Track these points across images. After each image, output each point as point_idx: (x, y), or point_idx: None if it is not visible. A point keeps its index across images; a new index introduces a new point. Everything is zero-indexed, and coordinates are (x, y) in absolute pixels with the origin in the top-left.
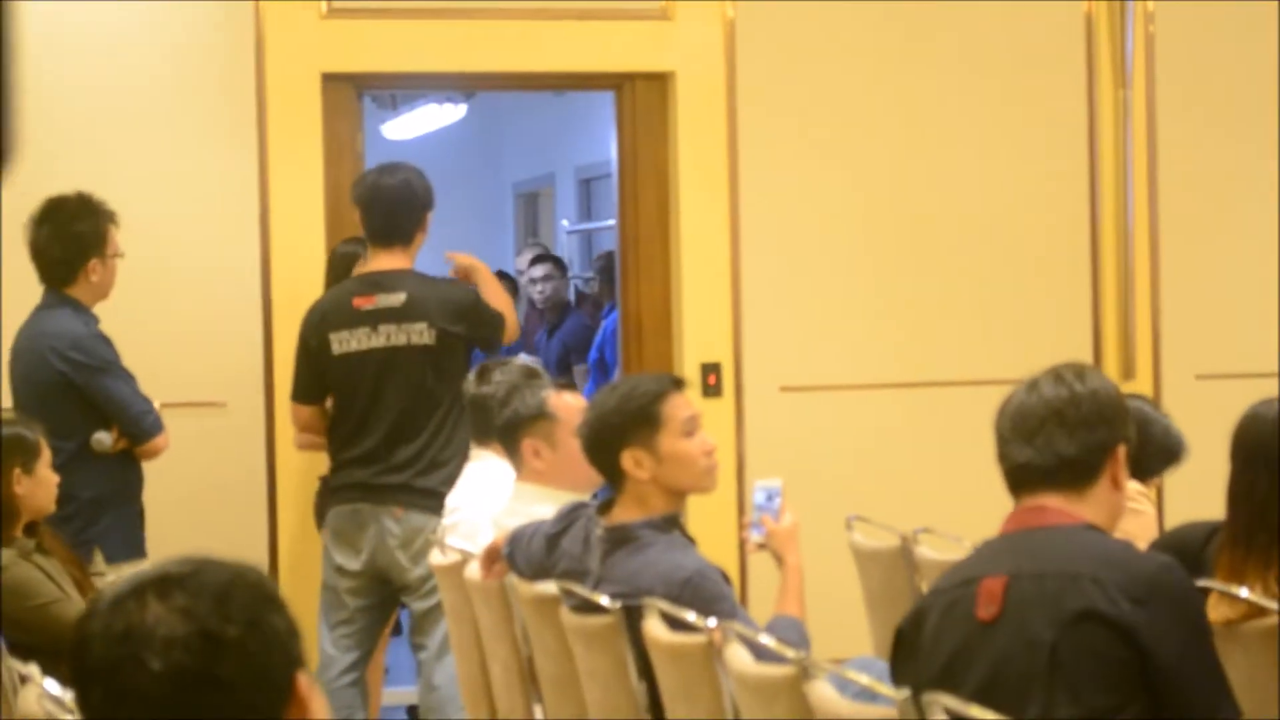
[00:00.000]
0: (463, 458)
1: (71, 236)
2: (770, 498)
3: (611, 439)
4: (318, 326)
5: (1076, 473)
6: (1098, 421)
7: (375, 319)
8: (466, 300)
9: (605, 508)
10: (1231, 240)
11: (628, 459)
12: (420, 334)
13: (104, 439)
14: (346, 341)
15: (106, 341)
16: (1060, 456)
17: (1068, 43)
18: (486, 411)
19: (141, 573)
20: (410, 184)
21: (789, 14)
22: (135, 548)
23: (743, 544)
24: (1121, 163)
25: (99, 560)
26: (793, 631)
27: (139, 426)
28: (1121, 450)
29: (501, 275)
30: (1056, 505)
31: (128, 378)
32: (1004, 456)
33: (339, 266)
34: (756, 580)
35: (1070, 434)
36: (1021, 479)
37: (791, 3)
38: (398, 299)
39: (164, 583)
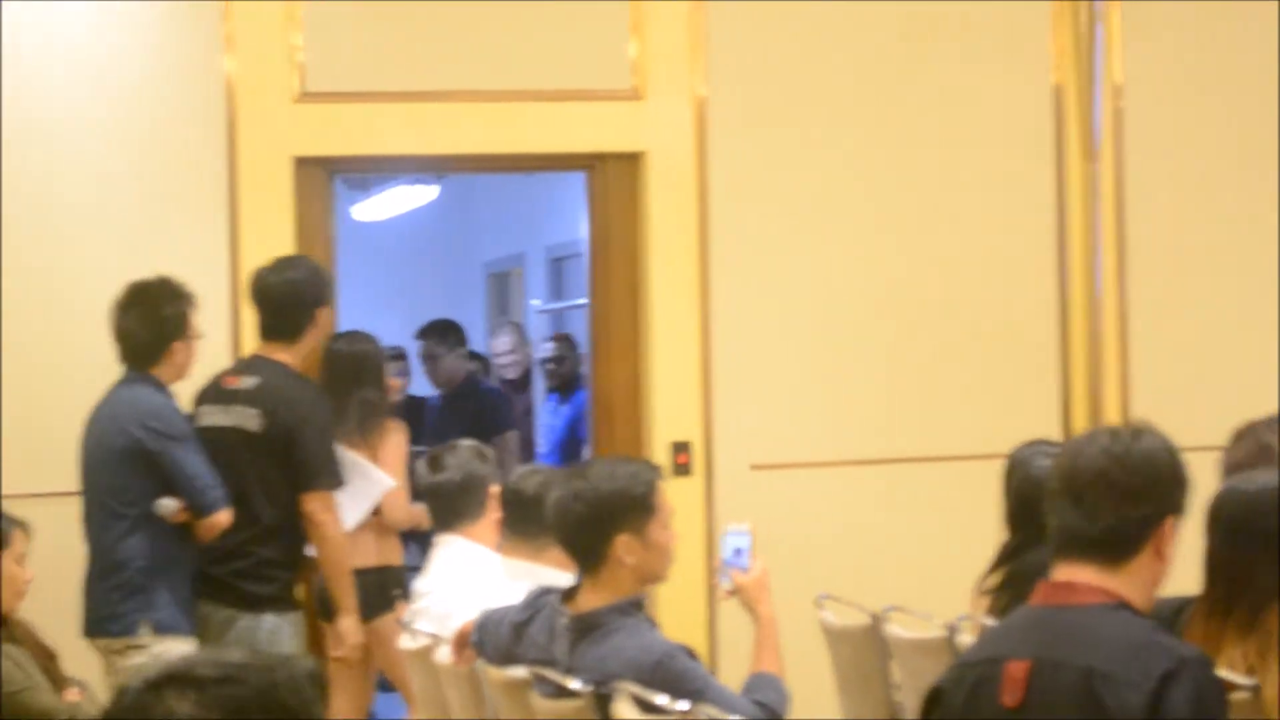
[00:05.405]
0: None
1: (159, 320)
2: (738, 551)
3: (610, 521)
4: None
5: (1118, 545)
6: (1147, 493)
7: (229, 399)
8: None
9: (569, 594)
10: (1200, 314)
11: (620, 544)
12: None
13: (169, 505)
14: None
15: (184, 417)
16: (1104, 527)
17: (1037, 117)
18: (449, 499)
19: (176, 661)
20: (294, 283)
21: (760, 94)
22: (184, 622)
23: (713, 614)
24: (1090, 237)
25: (145, 632)
26: (771, 690)
27: (204, 499)
28: (1170, 522)
29: (474, 356)
30: (1088, 580)
31: (199, 452)
32: (1050, 512)
33: (342, 366)
34: (726, 651)
35: (1117, 504)
36: (1064, 542)
37: (762, 82)
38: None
39: (186, 681)
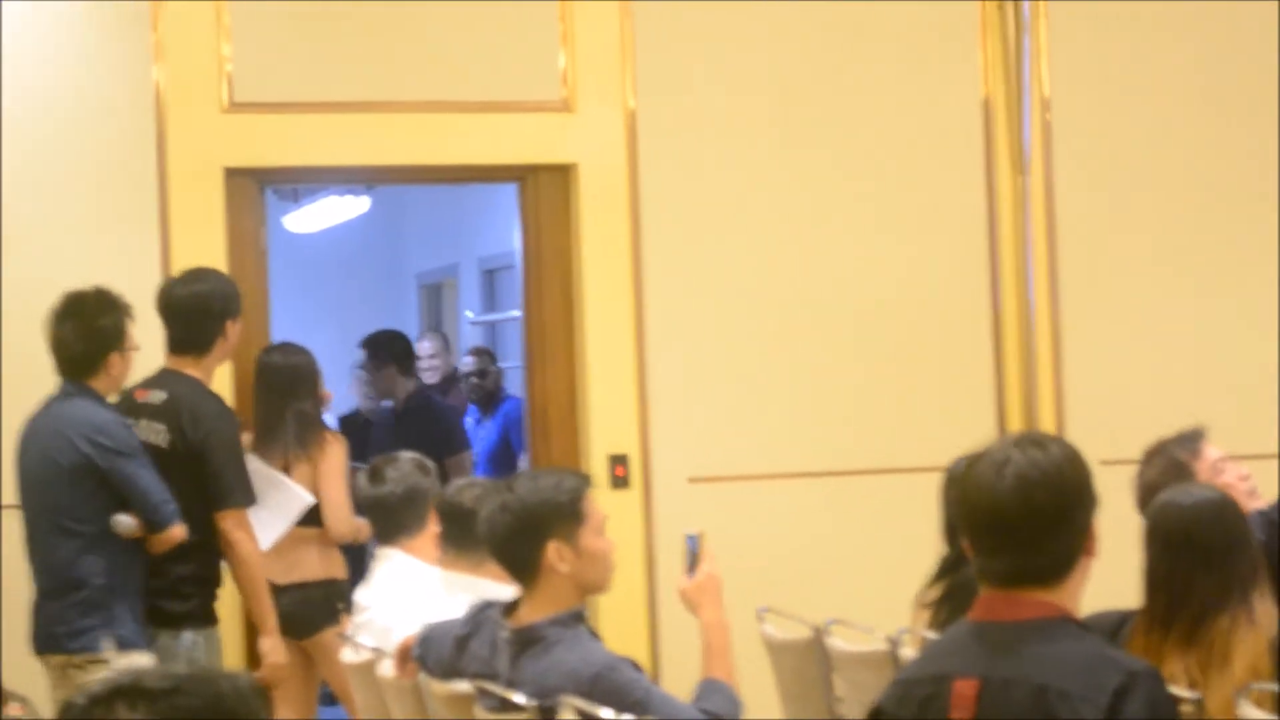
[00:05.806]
0: None
1: (94, 331)
2: (688, 554)
3: (538, 531)
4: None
5: (1059, 567)
6: (1076, 509)
7: (137, 412)
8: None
9: (510, 609)
10: (1132, 325)
11: (552, 551)
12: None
13: (127, 521)
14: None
15: (129, 429)
16: (1050, 558)
17: (966, 130)
18: (391, 512)
19: (121, 674)
20: (201, 295)
21: (690, 105)
22: (142, 638)
23: (654, 626)
24: (1021, 249)
25: (108, 648)
26: (719, 697)
27: (159, 514)
28: (1094, 521)
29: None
30: (1030, 596)
31: (149, 466)
32: (977, 552)
33: (277, 378)
34: (669, 663)
35: (1052, 534)
36: (998, 580)
37: (692, 94)
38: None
39: (136, 693)
